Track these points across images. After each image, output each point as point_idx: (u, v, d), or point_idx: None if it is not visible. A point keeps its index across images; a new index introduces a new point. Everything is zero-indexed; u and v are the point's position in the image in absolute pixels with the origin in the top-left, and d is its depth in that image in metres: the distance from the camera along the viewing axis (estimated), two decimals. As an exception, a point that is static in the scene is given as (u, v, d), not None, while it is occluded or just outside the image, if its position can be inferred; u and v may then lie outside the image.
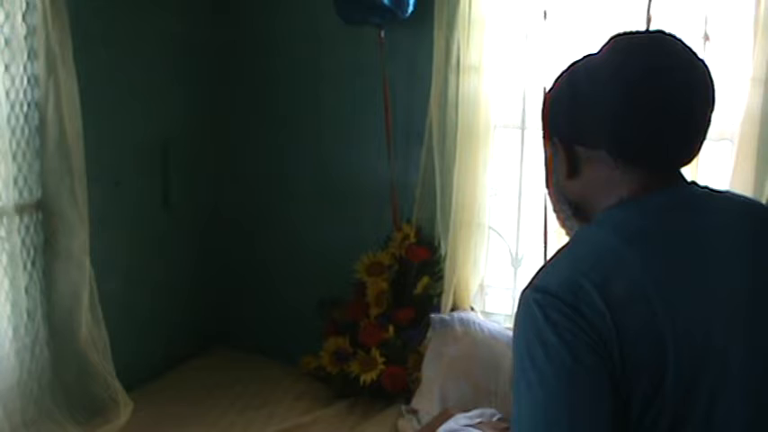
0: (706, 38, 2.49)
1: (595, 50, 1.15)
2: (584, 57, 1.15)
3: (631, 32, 1.13)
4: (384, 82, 2.87)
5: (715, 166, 2.55)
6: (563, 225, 1.22)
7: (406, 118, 2.93)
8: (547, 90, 1.20)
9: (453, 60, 2.74)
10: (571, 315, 0.96)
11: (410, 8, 2.74)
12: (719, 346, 0.98)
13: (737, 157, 2.47)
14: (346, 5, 2.75)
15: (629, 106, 1.05)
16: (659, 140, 1.07)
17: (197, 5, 3.06)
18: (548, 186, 1.22)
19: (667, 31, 1.13)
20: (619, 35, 1.13)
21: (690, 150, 1.10)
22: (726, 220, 1.08)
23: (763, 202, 2.39)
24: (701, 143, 1.11)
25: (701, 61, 1.09)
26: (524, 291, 1.03)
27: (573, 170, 1.13)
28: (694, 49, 1.10)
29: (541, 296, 0.99)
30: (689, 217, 1.06)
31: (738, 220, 1.10)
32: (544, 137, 1.20)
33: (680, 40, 1.10)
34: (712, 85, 1.09)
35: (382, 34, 2.83)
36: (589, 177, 1.12)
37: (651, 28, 2.48)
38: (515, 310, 1.05)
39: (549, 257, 1.10)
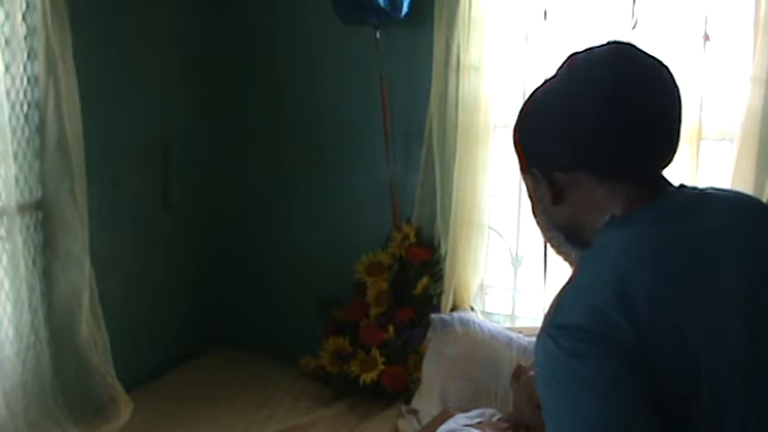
0: (706, 38, 2.49)
1: (552, 73, 1.14)
2: (545, 81, 1.14)
3: (587, 49, 1.12)
4: (381, 82, 2.87)
5: (715, 166, 2.55)
6: (558, 251, 1.20)
7: (405, 118, 2.93)
8: (516, 121, 1.17)
9: (453, 60, 2.73)
10: (599, 343, 0.95)
11: (404, 9, 2.74)
12: (742, 355, 0.98)
13: (737, 157, 2.47)
14: (343, 5, 2.76)
15: (602, 122, 1.05)
16: (637, 151, 1.06)
17: (197, 5, 3.06)
18: (535, 216, 1.20)
19: (621, 40, 1.13)
20: (574, 54, 1.12)
21: (669, 154, 1.10)
22: (725, 221, 1.08)
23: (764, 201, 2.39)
24: (678, 143, 1.10)
25: (662, 64, 1.09)
26: (544, 333, 1.01)
27: (558, 197, 1.12)
28: (653, 53, 1.09)
29: (565, 333, 0.97)
30: (688, 224, 1.05)
31: (736, 218, 1.09)
32: (521, 169, 1.18)
33: (637, 48, 1.10)
34: (677, 85, 1.09)
35: (377, 35, 2.83)
36: (575, 201, 1.11)
37: (643, 29, 2.49)
38: (537, 353, 1.01)
39: (557, 294, 1.06)
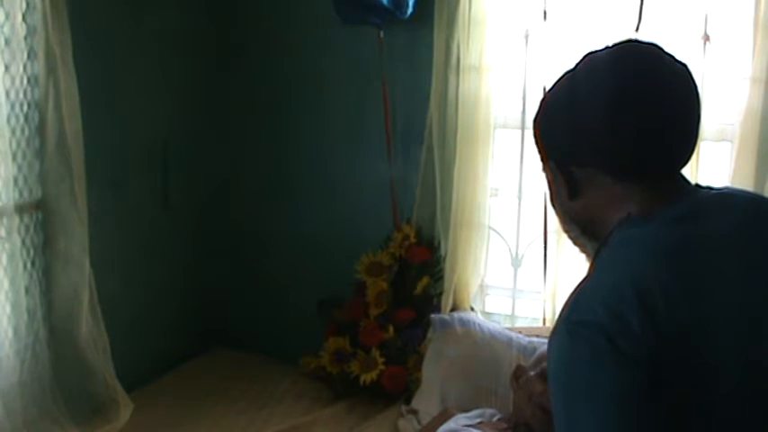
0: (706, 38, 2.49)
1: (569, 69, 1.13)
2: (563, 77, 1.14)
3: (605, 48, 1.11)
4: (383, 82, 2.87)
5: (715, 166, 2.55)
6: (574, 242, 1.20)
7: (405, 118, 2.93)
8: (535, 115, 1.18)
9: (453, 60, 2.73)
10: (616, 343, 0.94)
11: (409, 9, 2.74)
12: (746, 355, 0.98)
13: (737, 157, 2.47)
14: (344, 5, 2.76)
15: (609, 122, 1.04)
16: (650, 151, 1.06)
17: (197, 5, 3.07)
18: (553, 206, 1.21)
19: (638, 38, 1.12)
20: (592, 52, 1.12)
21: (686, 154, 1.09)
22: (740, 223, 1.07)
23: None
24: (695, 144, 1.10)
25: (682, 63, 1.08)
26: (561, 325, 1.00)
27: (573, 191, 1.12)
28: (672, 51, 1.08)
29: (582, 330, 0.97)
30: (704, 226, 1.04)
31: (752, 221, 1.09)
32: (542, 160, 1.18)
33: (656, 46, 1.09)
34: (695, 85, 1.08)
35: (381, 35, 2.83)
36: (591, 197, 1.11)
37: (644, 29, 2.49)
38: (552, 344, 1.01)
39: (573, 291, 1.05)
